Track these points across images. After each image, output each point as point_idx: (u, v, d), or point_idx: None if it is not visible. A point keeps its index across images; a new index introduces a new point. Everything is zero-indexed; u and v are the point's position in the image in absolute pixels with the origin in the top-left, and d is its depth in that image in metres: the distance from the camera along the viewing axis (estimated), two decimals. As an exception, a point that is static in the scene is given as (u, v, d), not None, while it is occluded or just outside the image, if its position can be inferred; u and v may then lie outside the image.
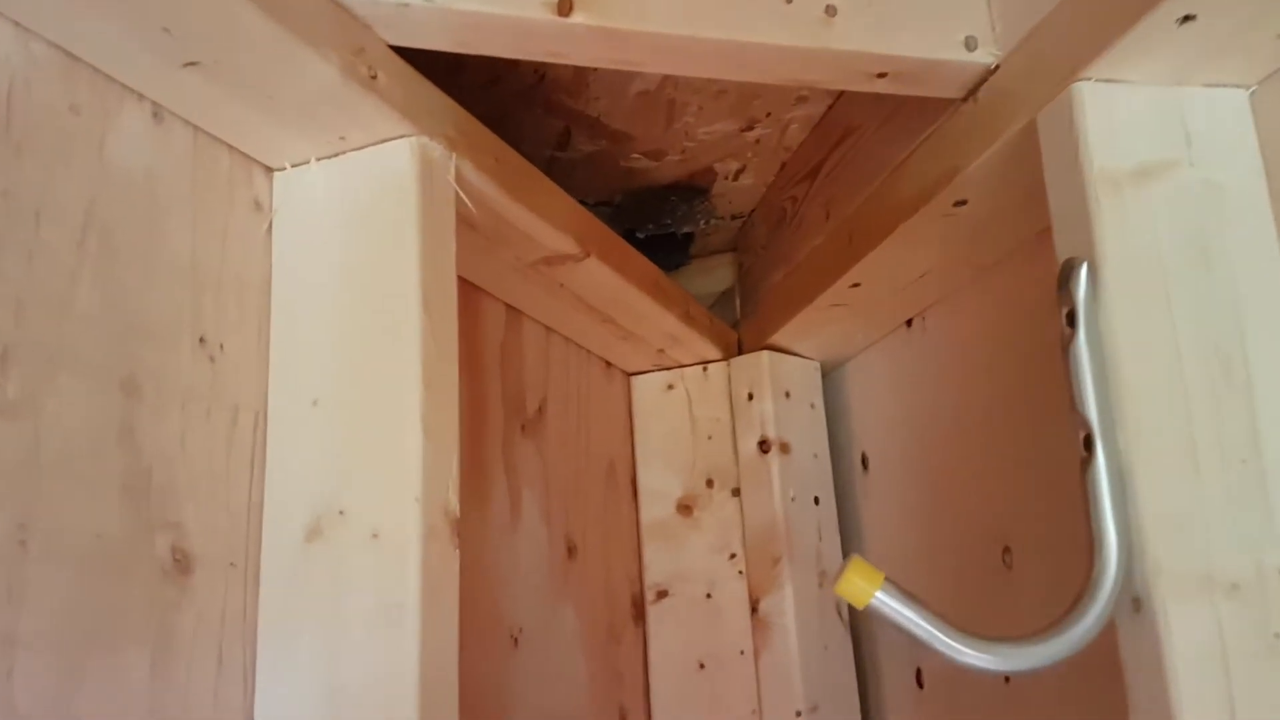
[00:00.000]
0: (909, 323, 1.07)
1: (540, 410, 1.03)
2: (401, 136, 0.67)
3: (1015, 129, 0.68)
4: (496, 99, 0.96)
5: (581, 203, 1.20)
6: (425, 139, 0.67)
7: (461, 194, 0.70)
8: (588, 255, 0.89)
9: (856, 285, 0.96)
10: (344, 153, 0.68)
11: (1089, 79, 0.63)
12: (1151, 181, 0.62)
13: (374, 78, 0.62)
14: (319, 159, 0.69)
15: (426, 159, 0.67)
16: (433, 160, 0.68)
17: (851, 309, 1.02)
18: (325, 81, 0.59)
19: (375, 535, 0.61)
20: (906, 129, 0.84)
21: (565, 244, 0.86)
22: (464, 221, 0.77)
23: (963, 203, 0.78)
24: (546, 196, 0.84)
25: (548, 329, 1.07)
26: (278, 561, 0.63)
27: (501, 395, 0.96)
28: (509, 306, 1.00)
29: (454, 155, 0.70)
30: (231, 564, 0.62)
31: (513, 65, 0.90)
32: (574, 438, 1.09)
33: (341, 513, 0.62)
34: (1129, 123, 0.63)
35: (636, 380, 1.23)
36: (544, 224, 0.82)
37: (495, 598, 0.90)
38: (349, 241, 0.67)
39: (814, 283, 1.01)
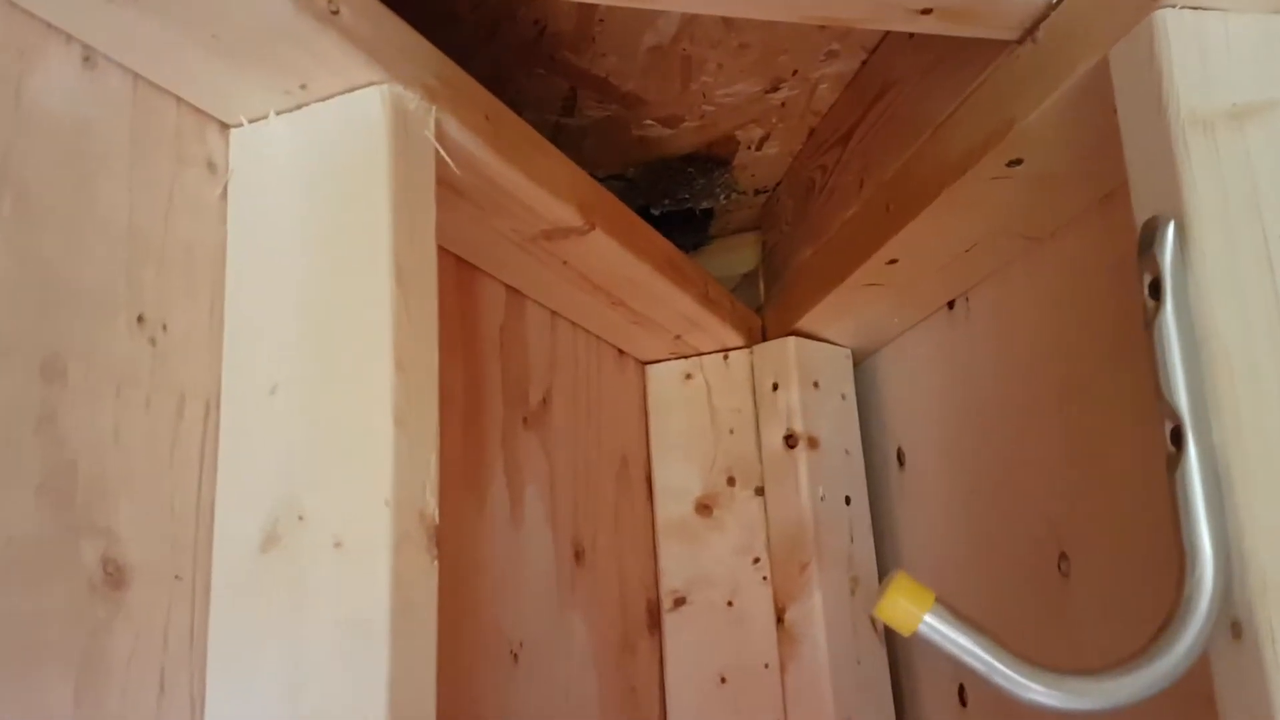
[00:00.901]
0: (951, 304, 0.98)
1: (545, 402, 0.95)
2: (371, 84, 0.59)
3: (1082, 71, 0.60)
4: (493, 57, 0.88)
5: (590, 176, 1.12)
6: (399, 87, 0.59)
7: (443, 152, 0.62)
8: (592, 228, 0.81)
9: (894, 262, 0.87)
10: (307, 104, 0.60)
11: (1173, 5, 0.54)
12: (1250, 124, 0.53)
13: (335, 13, 0.54)
14: (279, 112, 0.61)
15: (400, 110, 0.59)
16: (407, 112, 0.60)
17: (888, 289, 0.94)
18: (275, 14, 0.52)
19: (339, 544, 0.54)
20: (952, 81, 0.75)
21: (567, 215, 0.78)
22: (450, 187, 0.70)
23: (1017, 162, 0.69)
24: (545, 160, 0.76)
25: (553, 313, 0.99)
26: (229, 573, 0.56)
27: (501, 385, 0.88)
28: (509, 288, 0.92)
29: (434, 108, 0.62)
30: (176, 576, 0.55)
31: (510, 16, 0.82)
32: (583, 431, 1.01)
33: (301, 518, 0.55)
34: (1222, 55, 0.54)
35: (652, 369, 1.15)
36: (542, 191, 0.74)
37: (493, 609, 0.82)
38: (313, 206, 0.59)
39: (846, 260, 0.92)
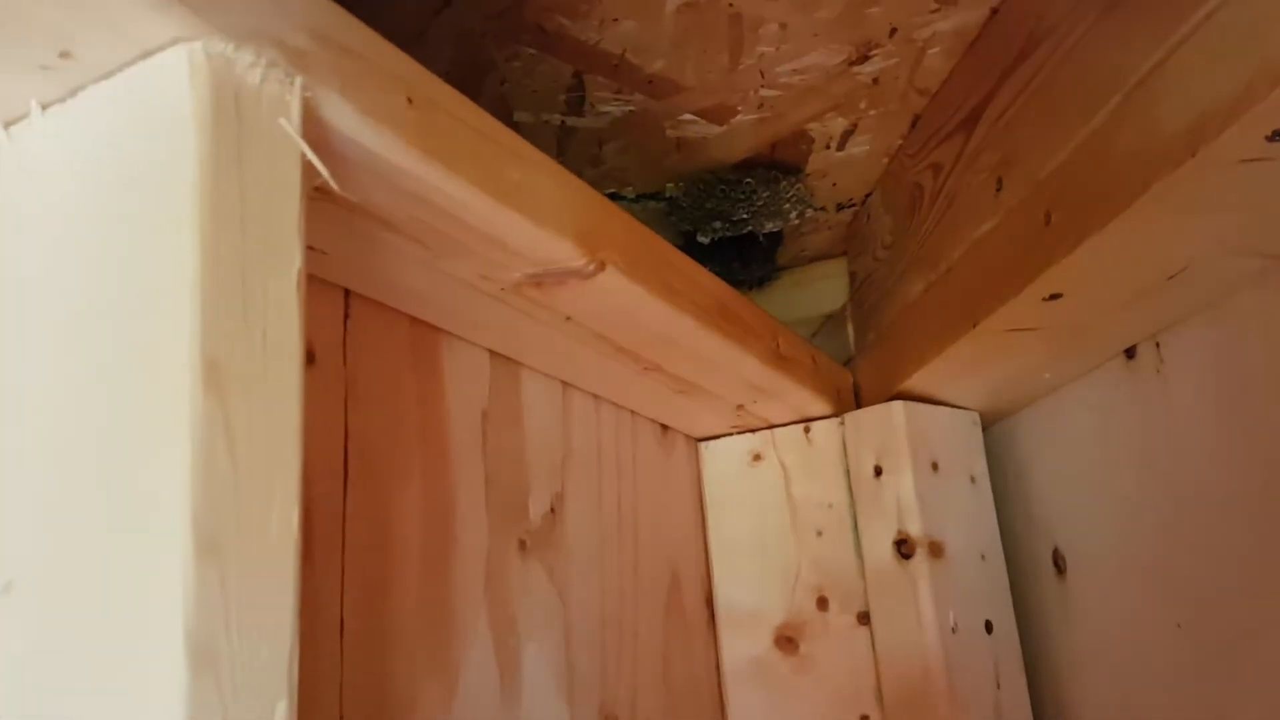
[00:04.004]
0: (1131, 351, 0.72)
1: (553, 512, 0.71)
2: (177, 41, 0.36)
3: None
4: (456, 31, 0.65)
5: (615, 196, 0.89)
6: (224, 45, 0.36)
7: (310, 153, 0.38)
8: (601, 268, 0.57)
9: (1056, 297, 0.62)
10: (82, 88, 0.38)
11: None
12: None
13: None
14: (45, 105, 0.38)
15: (225, 83, 0.36)
16: (242, 87, 0.36)
17: (1043, 334, 0.68)
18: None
19: None
20: (1150, 20, 0.50)
21: (561, 250, 0.54)
22: (373, 217, 0.46)
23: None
24: (520, 168, 0.52)
25: (565, 384, 0.75)
26: None
27: (485, 498, 0.64)
28: (496, 355, 0.68)
29: (300, 82, 0.38)
30: None
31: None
32: (613, 546, 0.76)
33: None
34: None
35: (708, 449, 0.90)
36: (517, 216, 0.51)
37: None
38: (83, 254, 0.36)
39: (979, 297, 0.67)
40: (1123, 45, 0.52)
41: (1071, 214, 0.56)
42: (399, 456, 0.58)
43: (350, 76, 0.41)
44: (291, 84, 0.38)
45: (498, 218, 0.50)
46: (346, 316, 0.56)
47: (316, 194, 0.45)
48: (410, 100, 0.45)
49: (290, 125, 0.38)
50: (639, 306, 0.62)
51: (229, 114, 0.36)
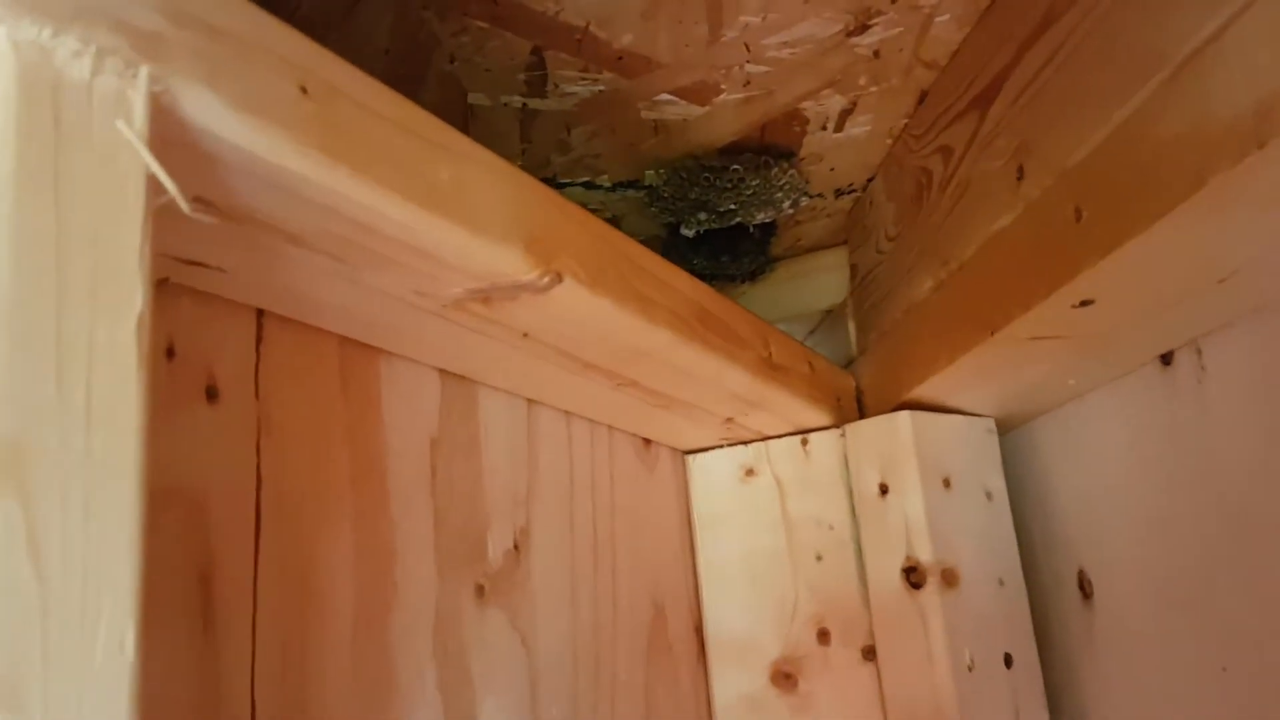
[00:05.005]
0: (1168, 357, 0.65)
1: (517, 548, 0.64)
2: (-31, 26, 0.28)
3: None
4: (392, 6, 0.58)
5: (590, 185, 0.81)
6: (36, 28, 0.29)
7: (153, 162, 0.31)
8: (556, 279, 0.49)
9: (1087, 303, 0.54)
10: None
11: None
12: None
13: None
14: None
15: (37, 75, 0.28)
16: (61, 79, 0.29)
17: (1071, 341, 0.61)
18: None
19: None
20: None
21: (506, 260, 0.47)
22: (272, 230, 0.39)
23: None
24: (449, 164, 0.44)
25: (531, 401, 0.68)
26: None
27: (433, 540, 0.57)
28: (446, 374, 0.61)
29: (144, 71, 0.31)
30: None
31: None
32: (586, 577, 0.70)
33: None
34: None
35: (696, 462, 0.83)
36: (444, 222, 0.43)
37: None
38: None
39: (997, 300, 0.59)
40: (1167, 12, 0.45)
41: (1106, 211, 0.48)
42: (325, 500, 0.51)
43: (222, 63, 0.34)
44: (135, 77, 0.31)
45: (424, 227, 0.43)
46: (259, 340, 0.49)
47: (200, 205, 0.38)
48: (304, 89, 0.37)
49: (131, 129, 0.30)
50: (605, 320, 0.55)
51: (42, 120, 0.28)
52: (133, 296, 0.29)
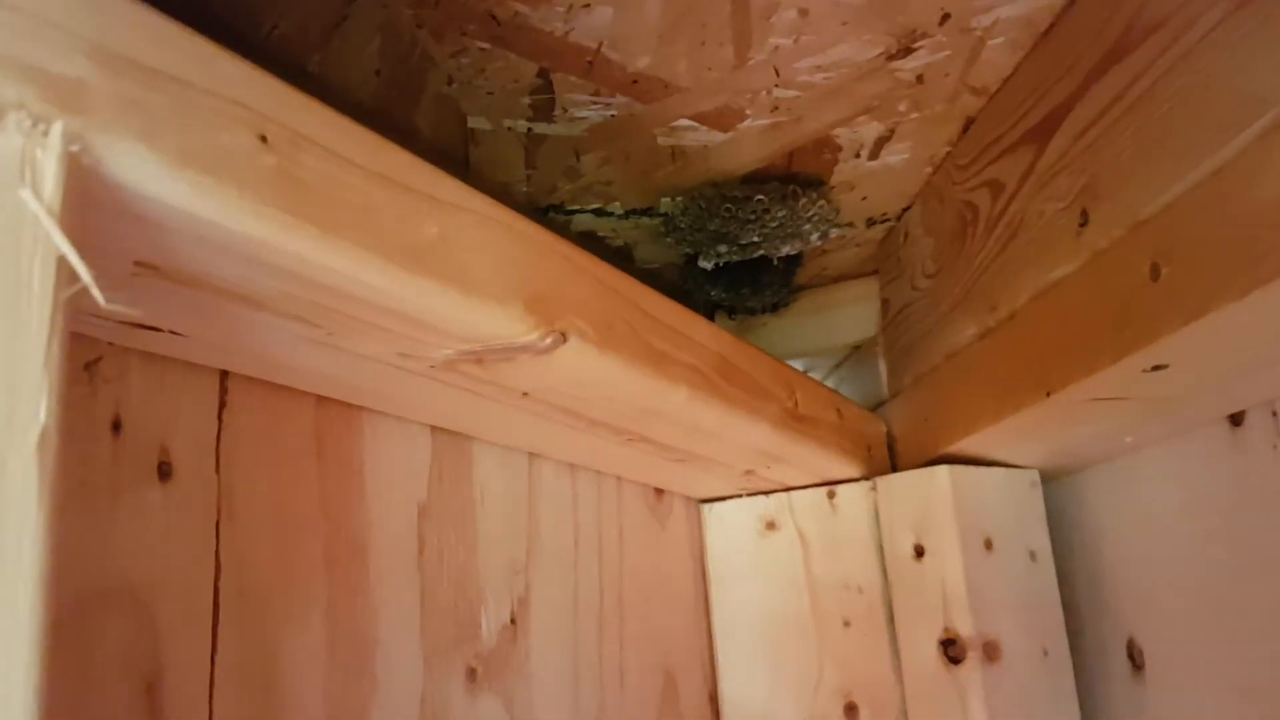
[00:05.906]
0: (1238, 419, 0.59)
1: (514, 622, 0.58)
2: None
3: None
4: (382, 24, 0.52)
5: (601, 212, 0.76)
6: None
7: (62, 242, 0.25)
8: (561, 340, 0.44)
9: (1160, 368, 0.49)
10: None
11: None
12: None
13: None
14: None
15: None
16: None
17: (1136, 404, 0.55)
18: None
19: None
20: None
21: (502, 322, 0.42)
22: (231, 295, 0.34)
23: None
24: (437, 217, 0.39)
25: (532, 455, 0.63)
26: None
27: (419, 620, 0.52)
28: (439, 430, 0.56)
29: (58, 127, 0.26)
30: None
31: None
32: (590, 648, 0.64)
33: None
34: None
35: (712, 512, 0.78)
36: (430, 283, 0.38)
37: None
38: None
39: (1054, 358, 0.54)
40: (1268, 54, 0.39)
41: (1191, 272, 0.43)
42: (294, 588, 0.45)
43: (159, 113, 0.29)
44: (45, 135, 0.26)
45: (407, 291, 0.37)
46: (222, 406, 0.44)
47: (145, 269, 0.33)
48: (264, 138, 0.32)
49: (38, 200, 0.25)
50: (615, 380, 0.50)
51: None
52: (33, 413, 0.24)
